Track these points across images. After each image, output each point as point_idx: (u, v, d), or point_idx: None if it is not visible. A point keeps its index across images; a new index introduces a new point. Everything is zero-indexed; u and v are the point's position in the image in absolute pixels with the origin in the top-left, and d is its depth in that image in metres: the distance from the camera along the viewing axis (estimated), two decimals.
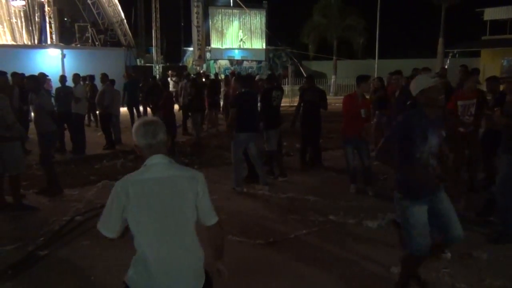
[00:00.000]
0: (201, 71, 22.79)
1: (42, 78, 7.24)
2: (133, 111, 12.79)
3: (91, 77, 12.35)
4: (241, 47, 32.61)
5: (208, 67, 29.81)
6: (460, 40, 31.85)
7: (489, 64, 27.34)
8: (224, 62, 32.23)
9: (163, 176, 2.22)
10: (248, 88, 7.02)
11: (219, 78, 18.65)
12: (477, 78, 6.96)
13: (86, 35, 22.65)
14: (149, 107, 12.02)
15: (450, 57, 30.88)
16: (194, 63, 28.47)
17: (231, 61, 32.57)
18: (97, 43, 23.19)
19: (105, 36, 23.86)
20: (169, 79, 17.34)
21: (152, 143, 2.25)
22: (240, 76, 8.83)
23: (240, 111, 6.65)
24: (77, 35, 22.51)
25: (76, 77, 10.27)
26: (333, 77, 30.90)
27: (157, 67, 24.87)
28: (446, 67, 21.36)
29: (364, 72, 7.71)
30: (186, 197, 2.25)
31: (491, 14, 31.72)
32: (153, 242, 2.19)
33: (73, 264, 4.45)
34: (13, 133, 5.75)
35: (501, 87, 6.66)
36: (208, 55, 30.01)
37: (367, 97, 7.26)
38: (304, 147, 8.21)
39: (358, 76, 6.64)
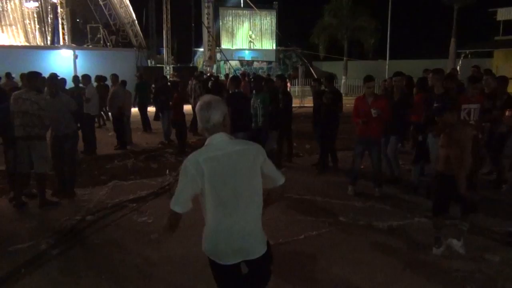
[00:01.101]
0: (208, 73, 22.88)
1: (59, 79, 7.24)
2: (144, 111, 12.88)
3: (103, 78, 12.46)
4: (251, 47, 32.67)
5: (218, 68, 29.89)
6: (472, 40, 31.51)
7: (502, 65, 27.00)
8: (234, 63, 32.28)
9: (230, 151, 2.41)
10: (238, 89, 7.29)
11: (221, 79, 18.72)
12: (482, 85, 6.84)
13: (98, 36, 22.85)
14: (158, 107, 11.99)
15: (462, 57, 30.55)
16: (204, 63, 28.56)
17: (241, 61, 32.62)
18: (108, 44, 23.38)
19: (116, 37, 24.05)
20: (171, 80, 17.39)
21: (207, 127, 2.44)
22: (231, 77, 8.87)
23: (232, 111, 6.76)
24: (89, 36, 22.74)
25: (86, 78, 10.36)
26: (343, 77, 30.79)
27: (167, 67, 25.00)
28: (458, 67, 21.21)
29: (375, 73, 7.68)
30: (254, 168, 2.44)
31: (504, 14, 31.29)
32: (227, 210, 2.38)
33: (85, 263, 4.49)
34: (39, 132, 5.96)
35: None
36: (218, 55, 30.08)
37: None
38: (324, 149, 8.10)
39: (365, 76, 6.64)
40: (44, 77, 6.60)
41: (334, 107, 7.84)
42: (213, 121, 2.42)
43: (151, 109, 13.92)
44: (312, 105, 9.36)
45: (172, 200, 2.39)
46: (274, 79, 9.20)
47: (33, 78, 6.01)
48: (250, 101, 7.37)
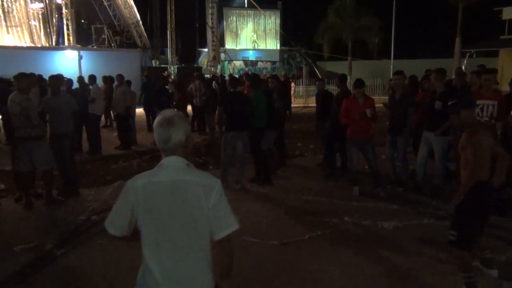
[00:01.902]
0: (212, 73, 22.93)
1: (60, 79, 7.32)
2: (149, 112, 12.89)
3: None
4: (255, 48, 32.68)
5: (222, 68, 29.91)
6: (477, 39, 31.37)
7: (508, 64, 26.83)
8: (238, 63, 32.30)
9: (175, 180, 2.06)
10: (236, 89, 7.34)
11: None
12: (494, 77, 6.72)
13: (103, 36, 22.94)
14: (158, 108, 11.92)
15: (467, 57, 30.40)
16: (208, 64, 28.60)
17: (246, 62, 32.64)
18: (113, 44, 23.45)
19: (121, 37, 24.12)
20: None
21: (165, 148, 2.11)
22: (229, 77, 8.88)
23: (228, 111, 6.95)
24: (93, 36, 22.82)
25: (91, 78, 10.45)
26: (348, 77, 30.67)
27: (172, 68, 25.04)
28: (463, 67, 21.10)
29: (380, 73, 7.60)
30: (201, 207, 2.05)
31: (510, 13, 31.11)
32: (159, 254, 2.05)
33: (89, 263, 4.50)
34: (39, 132, 6.03)
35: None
36: (222, 56, 30.11)
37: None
38: (331, 152, 7.91)
39: (354, 81, 6.68)
40: (33, 77, 6.68)
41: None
42: (173, 142, 2.08)
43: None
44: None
45: (107, 220, 2.12)
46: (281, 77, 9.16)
47: (20, 79, 6.09)
48: (249, 100, 7.36)
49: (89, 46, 22.26)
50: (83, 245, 4.96)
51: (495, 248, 4.57)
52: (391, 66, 27.29)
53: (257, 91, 7.42)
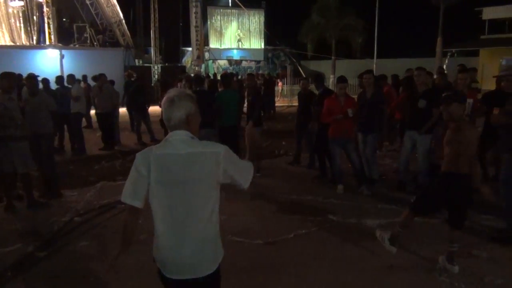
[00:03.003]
0: (195, 72, 22.83)
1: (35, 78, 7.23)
2: (132, 112, 12.76)
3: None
4: (240, 47, 32.65)
5: (207, 67, 29.83)
6: (458, 39, 31.87)
7: (488, 63, 27.33)
8: (223, 62, 32.26)
9: (184, 152, 2.18)
10: (202, 87, 7.57)
11: (217, 78, 18.64)
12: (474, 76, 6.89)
13: (85, 35, 22.65)
14: (134, 109, 11.58)
15: (448, 56, 30.88)
16: (193, 63, 28.48)
17: (230, 61, 32.60)
18: (95, 43, 23.18)
19: (103, 36, 23.87)
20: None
21: (169, 125, 2.25)
22: (194, 76, 8.93)
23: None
24: (75, 35, 22.52)
25: (71, 77, 10.45)
26: (331, 76, 30.93)
27: (155, 67, 24.87)
28: (444, 66, 21.42)
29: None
30: (208, 177, 2.19)
31: (490, 13, 31.73)
32: (172, 223, 2.18)
33: (73, 265, 4.44)
34: (22, 132, 5.93)
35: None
36: (207, 55, 30.02)
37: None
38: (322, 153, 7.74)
39: (337, 77, 6.72)
40: (15, 77, 6.57)
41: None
42: (174, 120, 2.22)
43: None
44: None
45: (124, 194, 2.24)
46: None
47: (2, 78, 5.97)
48: (213, 99, 7.36)
49: (71, 45, 21.95)
50: (66, 247, 4.88)
51: (476, 244, 4.64)
52: (374, 65, 27.54)
53: (226, 90, 7.47)
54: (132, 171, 2.23)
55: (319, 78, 7.93)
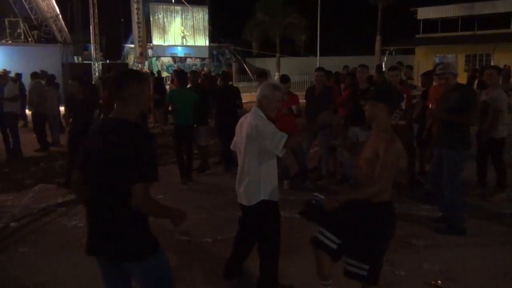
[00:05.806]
0: (144, 69, 22.29)
1: None
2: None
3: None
4: (184, 44, 32.22)
5: (150, 64, 29.17)
6: (396, 38, 33.33)
7: (423, 61, 28.81)
8: (167, 60, 31.68)
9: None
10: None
11: (162, 75, 18.28)
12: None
13: (18, 31, 21.52)
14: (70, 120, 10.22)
15: (387, 54, 32.22)
16: (135, 60, 27.73)
17: (174, 58, 32.09)
18: (30, 39, 22.03)
19: (39, 32, 22.75)
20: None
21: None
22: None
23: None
24: (7, 30, 21.29)
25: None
26: (276, 74, 31.31)
27: (96, 64, 23.99)
28: (383, 63, 22.31)
29: (307, 69, 7.78)
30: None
31: (423, 13, 33.44)
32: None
33: (10, 273, 4.19)
34: None
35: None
36: (150, 52, 29.35)
37: None
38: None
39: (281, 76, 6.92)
40: None
41: (230, 105, 7.77)
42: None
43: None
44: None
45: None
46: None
47: None
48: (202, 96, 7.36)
49: (3, 41, 20.73)
50: (2, 254, 4.61)
51: (415, 234, 4.87)
52: (317, 62, 28.20)
53: (180, 89, 7.36)
54: None
55: (261, 75, 8.07)
